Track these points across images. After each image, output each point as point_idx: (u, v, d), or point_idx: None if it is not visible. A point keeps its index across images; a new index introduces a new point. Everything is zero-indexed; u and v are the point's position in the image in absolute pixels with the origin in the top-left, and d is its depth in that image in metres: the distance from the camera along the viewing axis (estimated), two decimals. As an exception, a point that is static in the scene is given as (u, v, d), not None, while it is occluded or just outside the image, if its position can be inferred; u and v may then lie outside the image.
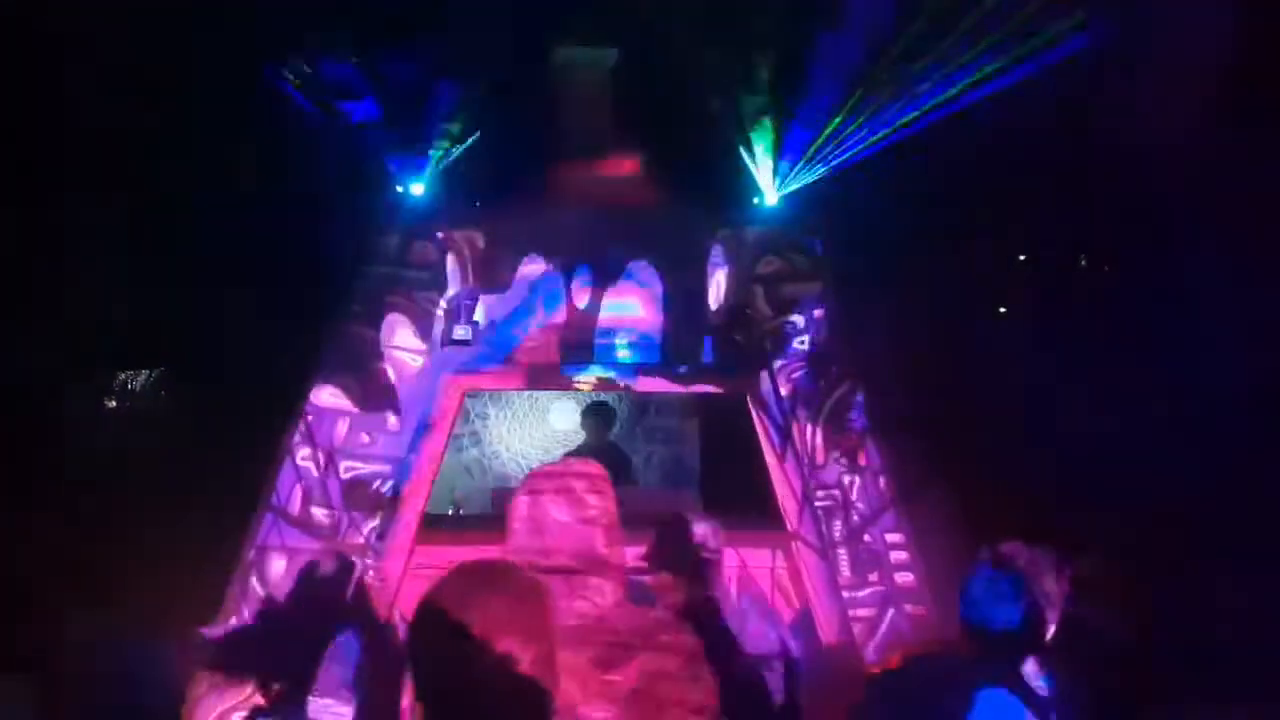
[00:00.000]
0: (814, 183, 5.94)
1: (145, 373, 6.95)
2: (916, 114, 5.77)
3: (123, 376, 6.92)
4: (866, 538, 5.51)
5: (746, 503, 5.95)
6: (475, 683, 1.61)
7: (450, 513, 6.93)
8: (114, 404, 6.94)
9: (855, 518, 5.53)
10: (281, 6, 5.76)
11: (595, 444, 6.47)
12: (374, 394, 5.57)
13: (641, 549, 3.05)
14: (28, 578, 4.84)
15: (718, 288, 5.93)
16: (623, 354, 5.77)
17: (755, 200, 6.04)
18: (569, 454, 6.30)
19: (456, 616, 1.60)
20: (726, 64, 5.89)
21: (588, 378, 5.75)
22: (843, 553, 5.48)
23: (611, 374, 5.76)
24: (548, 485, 2.14)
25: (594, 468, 2.22)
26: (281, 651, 3.77)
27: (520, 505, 2.13)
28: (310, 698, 3.59)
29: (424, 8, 5.73)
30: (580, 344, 5.72)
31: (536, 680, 1.63)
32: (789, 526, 5.61)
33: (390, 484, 5.48)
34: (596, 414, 6.51)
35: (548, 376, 5.83)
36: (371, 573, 5.12)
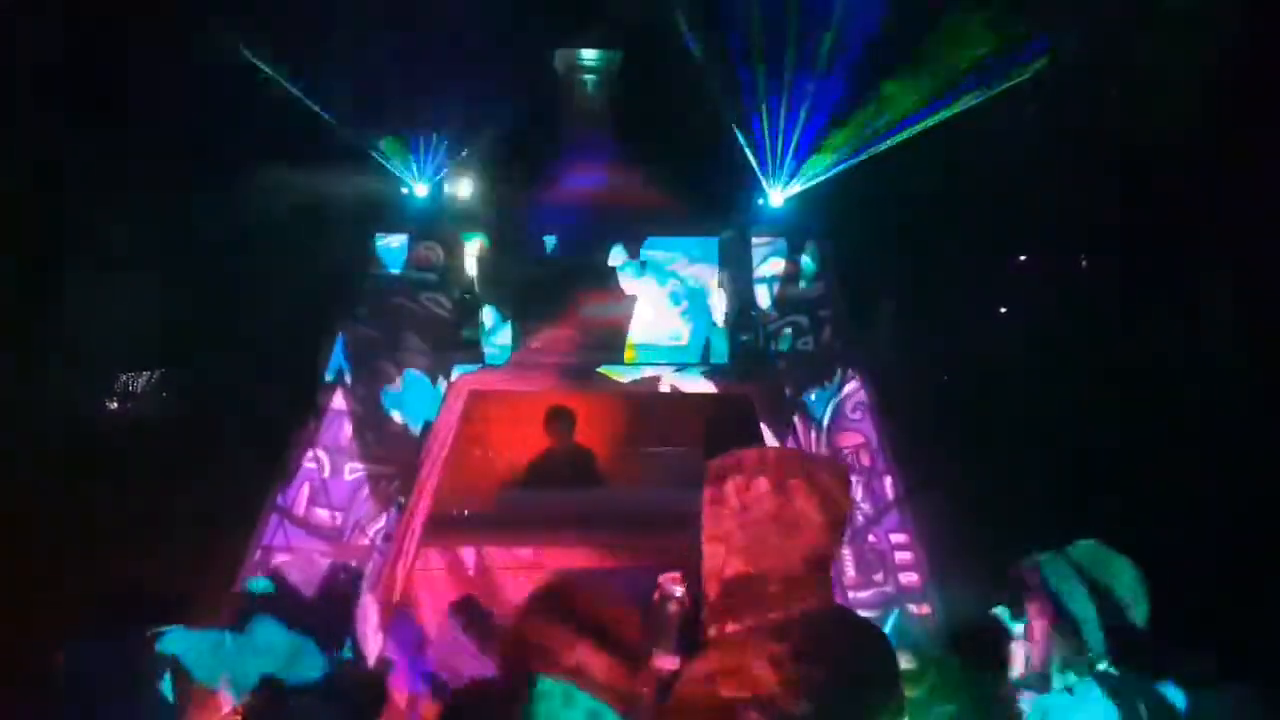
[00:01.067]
0: (818, 184, 5.96)
1: (148, 374, 6.94)
2: (918, 120, 5.80)
3: (125, 378, 6.91)
4: (871, 538, 5.53)
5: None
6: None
7: (455, 513, 6.90)
8: (117, 405, 6.93)
9: (860, 518, 5.54)
10: (279, 8, 5.76)
11: (561, 446, 6.38)
12: (379, 395, 5.58)
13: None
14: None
15: (723, 289, 5.95)
16: (628, 354, 5.79)
17: (760, 202, 6.06)
18: (539, 457, 6.27)
19: (522, 622, 1.67)
20: (730, 66, 5.90)
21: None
22: (847, 553, 5.49)
23: (617, 374, 5.77)
24: (795, 478, 1.86)
25: (836, 461, 2.13)
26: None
27: (765, 499, 1.84)
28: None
29: (428, 10, 5.74)
30: (586, 345, 5.73)
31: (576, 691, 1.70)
32: (793, 526, 5.61)
33: (395, 485, 5.49)
34: (559, 418, 6.43)
35: (553, 377, 5.84)
36: (376, 574, 5.13)
